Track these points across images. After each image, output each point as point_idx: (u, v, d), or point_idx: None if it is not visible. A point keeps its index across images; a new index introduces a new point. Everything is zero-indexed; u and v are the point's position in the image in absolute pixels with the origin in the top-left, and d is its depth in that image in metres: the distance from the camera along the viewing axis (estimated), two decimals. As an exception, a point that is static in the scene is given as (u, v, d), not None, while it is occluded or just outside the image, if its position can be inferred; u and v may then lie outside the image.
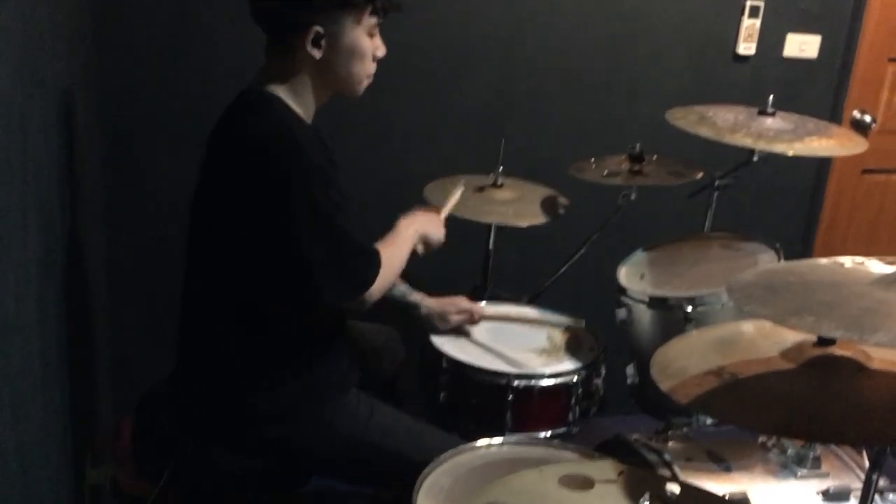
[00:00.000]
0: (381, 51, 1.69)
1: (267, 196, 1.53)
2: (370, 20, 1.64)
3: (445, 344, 2.03)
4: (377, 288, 1.66)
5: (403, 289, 2.02)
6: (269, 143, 1.54)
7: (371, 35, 1.66)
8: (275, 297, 1.62)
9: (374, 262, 1.66)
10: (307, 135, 1.62)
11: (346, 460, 1.72)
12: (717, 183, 2.28)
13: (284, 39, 1.62)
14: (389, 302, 1.97)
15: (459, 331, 2.09)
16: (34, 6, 1.40)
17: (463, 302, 2.11)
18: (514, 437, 1.75)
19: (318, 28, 1.59)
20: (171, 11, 2.41)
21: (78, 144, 1.95)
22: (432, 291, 2.10)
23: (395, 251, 1.75)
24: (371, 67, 1.69)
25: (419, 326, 2.07)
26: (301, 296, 1.60)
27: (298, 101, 1.64)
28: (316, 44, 1.60)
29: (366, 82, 1.70)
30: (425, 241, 1.86)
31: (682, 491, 1.22)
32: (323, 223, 1.57)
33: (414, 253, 1.83)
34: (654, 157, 2.34)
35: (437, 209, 2.00)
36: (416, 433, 1.76)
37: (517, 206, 2.28)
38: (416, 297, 2.03)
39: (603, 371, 2.04)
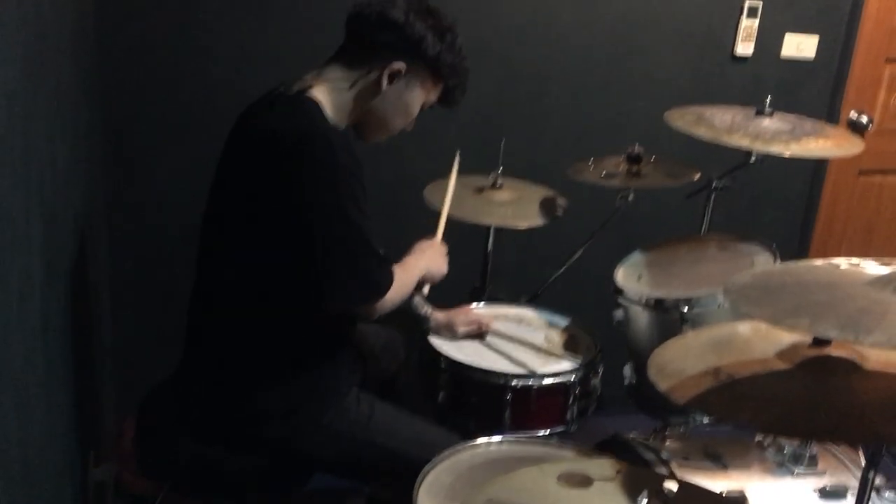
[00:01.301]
0: (411, 127, 1.73)
1: (294, 192, 1.53)
2: (433, 95, 1.69)
3: (444, 344, 2.04)
4: (387, 301, 1.68)
5: (417, 300, 2.05)
6: (303, 140, 1.53)
7: (422, 108, 1.70)
8: (289, 297, 1.63)
9: (390, 273, 1.68)
10: (341, 139, 1.62)
11: (347, 460, 1.73)
12: (714, 184, 2.29)
13: (369, 57, 1.62)
14: (403, 310, 2.01)
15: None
16: (37, 5, 1.41)
17: (471, 313, 2.14)
18: (513, 436, 1.76)
19: (403, 66, 1.61)
20: (171, 11, 2.42)
21: (80, 144, 1.96)
22: (432, 294, 2.12)
23: (406, 276, 1.78)
24: (396, 131, 1.73)
25: (419, 327, 2.09)
26: (317, 296, 1.60)
27: (335, 114, 1.64)
28: (391, 78, 1.62)
29: (381, 139, 1.74)
30: (430, 278, 1.91)
31: (679, 488, 1.23)
32: (346, 225, 1.57)
33: (419, 285, 1.87)
34: (652, 158, 2.35)
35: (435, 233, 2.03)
36: (416, 432, 1.77)
37: (516, 207, 2.29)
38: (427, 309, 2.06)
39: (600, 371, 2.04)
